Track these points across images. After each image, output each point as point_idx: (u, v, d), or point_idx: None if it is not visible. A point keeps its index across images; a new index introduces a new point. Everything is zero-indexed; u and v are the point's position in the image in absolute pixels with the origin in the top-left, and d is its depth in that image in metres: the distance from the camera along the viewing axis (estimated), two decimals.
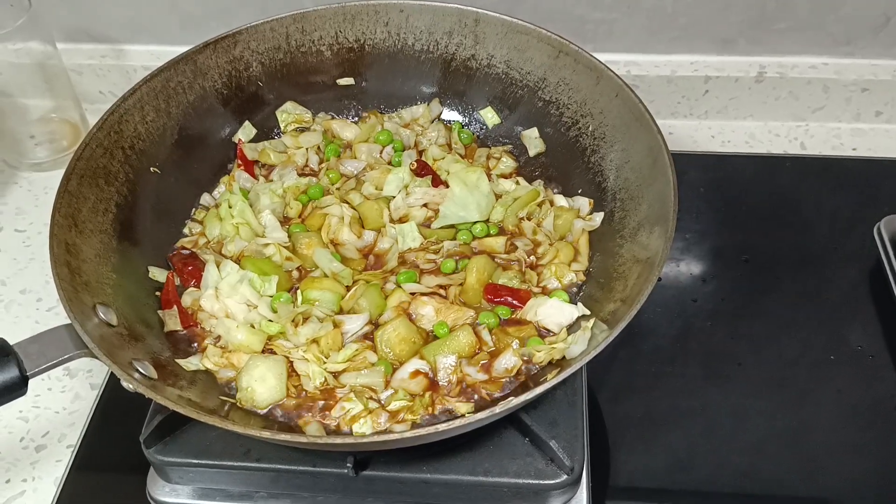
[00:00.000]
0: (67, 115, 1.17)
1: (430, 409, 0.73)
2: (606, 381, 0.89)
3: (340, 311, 0.79)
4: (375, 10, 0.93)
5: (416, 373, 0.74)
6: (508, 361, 0.74)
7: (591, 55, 0.85)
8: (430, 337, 0.78)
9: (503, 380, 0.74)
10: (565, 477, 0.72)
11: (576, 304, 0.78)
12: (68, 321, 0.66)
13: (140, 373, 0.68)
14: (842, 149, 1.14)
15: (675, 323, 0.94)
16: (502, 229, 0.86)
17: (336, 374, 0.75)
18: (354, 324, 0.77)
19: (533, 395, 0.63)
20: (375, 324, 0.78)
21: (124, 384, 0.67)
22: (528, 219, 0.86)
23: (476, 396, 0.74)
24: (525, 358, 0.75)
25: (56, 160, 1.16)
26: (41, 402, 0.90)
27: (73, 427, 0.88)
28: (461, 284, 0.80)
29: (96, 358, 0.65)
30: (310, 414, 0.73)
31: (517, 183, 0.90)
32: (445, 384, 0.74)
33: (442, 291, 0.81)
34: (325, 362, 0.74)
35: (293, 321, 0.77)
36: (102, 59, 1.19)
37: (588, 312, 0.76)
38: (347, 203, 0.88)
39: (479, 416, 0.62)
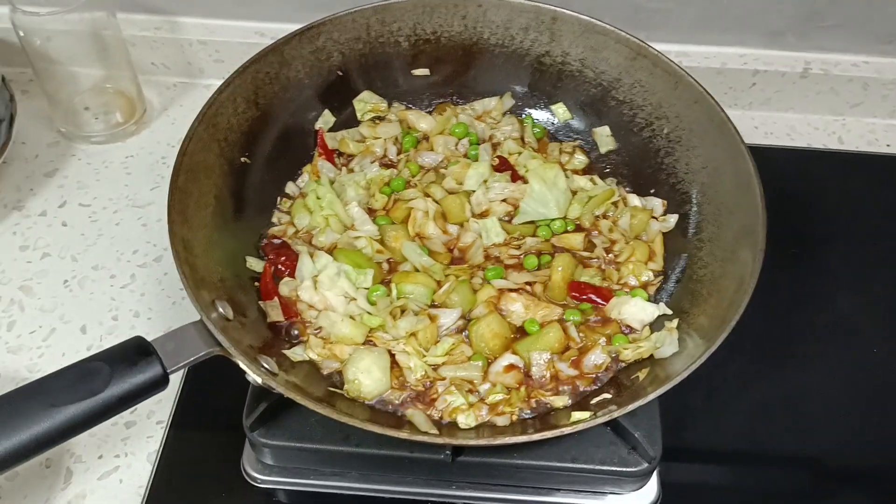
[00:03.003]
0: (122, 86, 1.17)
1: (526, 402, 0.78)
2: None
3: (433, 306, 0.83)
4: (454, 3, 0.95)
5: (511, 367, 0.79)
6: (598, 358, 0.79)
7: (671, 60, 0.88)
8: (520, 332, 0.82)
9: (592, 375, 0.79)
10: (647, 465, 0.78)
11: (656, 303, 0.83)
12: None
13: (265, 367, 0.71)
14: (877, 144, 1.20)
15: None
16: (579, 226, 0.90)
17: (435, 367, 0.79)
18: (449, 318, 0.82)
19: (637, 404, 0.68)
20: (467, 318, 0.83)
21: (250, 378, 0.71)
22: (605, 217, 0.90)
23: (568, 389, 0.79)
24: (613, 355, 0.80)
25: (112, 134, 1.16)
26: None
27: (160, 404, 0.91)
28: (546, 281, 0.85)
29: (227, 355, 0.69)
30: (416, 405, 0.77)
31: (592, 181, 0.93)
32: (539, 378, 0.79)
33: (528, 288, 0.85)
34: (424, 355, 0.79)
35: (391, 314, 0.81)
36: (156, 32, 1.19)
37: (670, 312, 0.81)
38: (430, 196, 0.91)
39: (597, 421, 0.67)
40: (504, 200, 0.91)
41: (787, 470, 0.87)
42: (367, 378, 0.77)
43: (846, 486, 0.86)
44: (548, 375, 0.79)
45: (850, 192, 1.13)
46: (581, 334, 0.81)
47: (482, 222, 0.89)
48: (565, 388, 0.79)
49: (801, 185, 1.13)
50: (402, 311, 0.82)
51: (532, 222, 0.90)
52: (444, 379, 0.78)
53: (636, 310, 0.82)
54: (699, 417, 0.90)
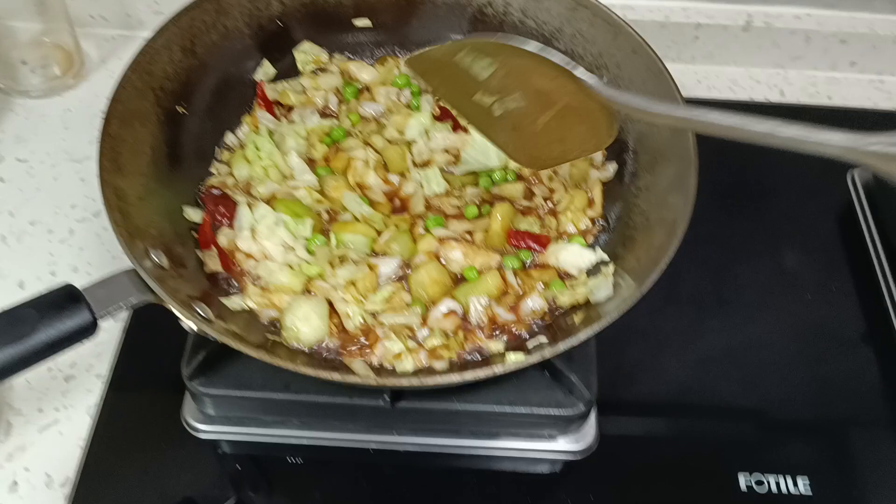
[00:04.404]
0: (60, 39, 1.14)
1: (463, 346, 0.78)
2: None
3: (373, 254, 0.84)
4: None
5: (450, 313, 0.80)
6: (535, 303, 0.80)
7: (610, 10, 0.89)
8: (459, 280, 0.83)
9: (530, 320, 0.80)
10: (583, 407, 0.80)
11: (593, 249, 0.84)
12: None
13: (199, 314, 0.71)
14: (818, 97, 1.22)
15: None
16: (520, 176, 0.91)
17: (374, 315, 0.80)
18: (388, 266, 0.82)
19: (570, 345, 0.69)
20: (407, 267, 0.83)
21: (184, 325, 0.71)
22: None
23: (504, 336, 0.80)
24: (550, 300, 0.81)
25: (50, 87, 1.14)
26: None
27: (99, 357, 0.90)
28: (486, 230, 0.85)
29: (161, 303, 0.68)
30: (355, 350, 0.78)
31: None
32: (477, 323, 0.80)
33: (468, 237, 0.85)
34: (363, 303, 0.79)
35: (330, 263, 0.81)
36: None
37: (607, 258, 0.82)
38: (371, 146, 0.90)
39: (530, 360, 0.68)
40: (446, 151, 0.91)
41: (728, 421, 0.89)
42: (305, 325, 0.77)
43: (788, 435, 0.88)
44: (486, 320, 0.80)
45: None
46: (519, 280, 0.82)
47: (423, 172, 0.89)
48: (502, 333, 0.80)
49: None
50: (342, 260, 0.82)
51: (474, 173, 0.90)
52: (383, 325, 0.79)
53: (573, 256, 0.83)
54: (640, 370, 0.91)
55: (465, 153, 0.90)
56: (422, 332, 0.79)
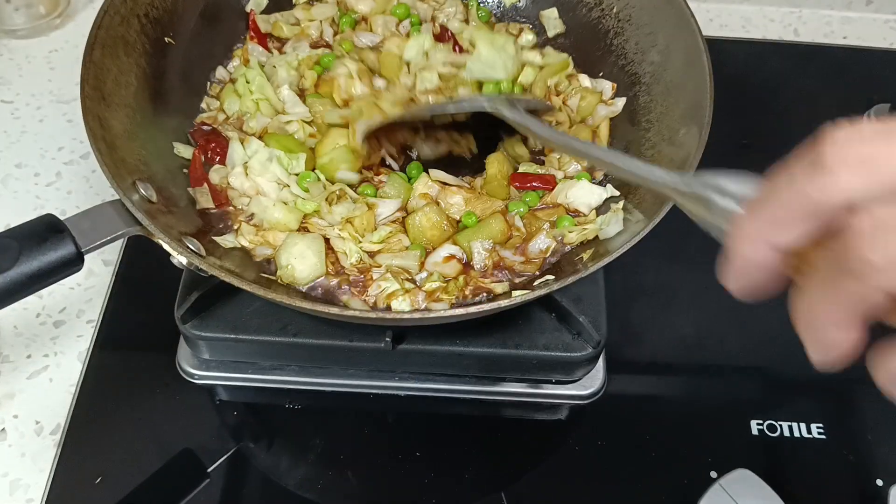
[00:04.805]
0: None
1: (463, 290, 0.75)
2: None
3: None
4: None
5: (450, 257, 0.76)
6: (542, 243, 0.77)
7: None
8: (459, 226, 0.79)
9: (538, 260, 0.77)
10: (591, 350, 0.77)
11: (604, 186, 0.80)
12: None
13: (189, 248, 0.68)
14: (833, 37, 1.17)
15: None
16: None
17: (371, 255, 0.76)
18: (387, 208, 0.78)
19: (577, 277, 0.66)
20: (405, 211, 0.79)
21: (175, 260, 0.67)
22: (557, 93, 0.87)
23: (507, 278, 0.76)
24: (558, 238, 0.77)
25: (35, 27, 1.10)
26: None
27: (90, 303, 0.87)
28: (483, 180, 0.81)
29: (148, 235, 0.65)
30: (349, 290, 0.74)
31: (542, 54, 0.89)
32: (480, 267, 0.76)
33: (467, 184, 0.81)
34: (360, 241, 0.76)
35: (327, 200, 0.77)
36: None
37: (618, 193, 0.79)
38: (362, 61, 0.85)
39: (537, 293, 0.64)
40: (447, 65, 0.86)
41: (734, 378, 0.86)
42: (301, 263, 0.73)
43: (794, 394, 0.85)
44: (490, 264, 0.76)
45: (805, 85, 1.11)
46: (525, 221, 0.79)
47: (420, 73, 0.84)
48: (505, 275, 0.76)
49: (756, 78, 1.11)
50: (339, 198, 0.78)
51: (478, 83, 0.86)
52: (379, 266, 0.75)
53: (584, 192, 0.79)
54: (649, 326, 0.88)
55: (470, 63, 0.85)
56: (420, 276, 0.75)
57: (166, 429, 0.80)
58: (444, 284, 0.75)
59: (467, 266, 0.77)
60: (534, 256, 0.77)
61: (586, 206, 0.79)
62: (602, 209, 0.79)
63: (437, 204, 0.79)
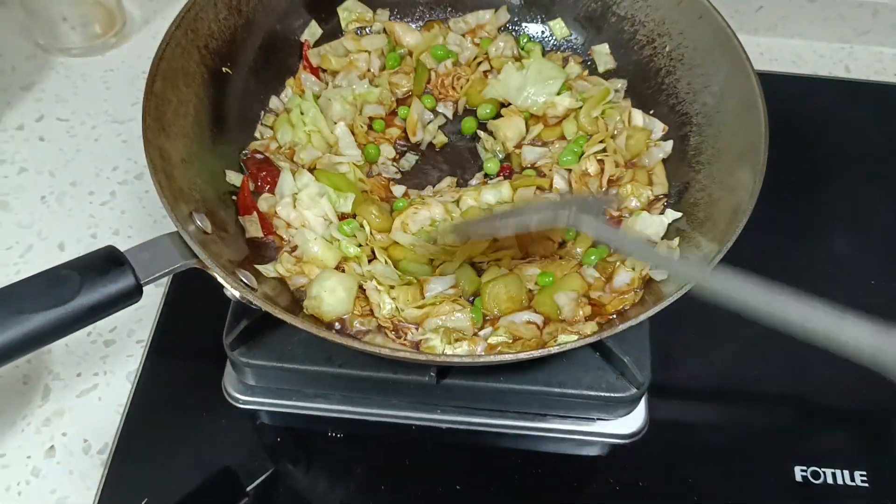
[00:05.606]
0: None
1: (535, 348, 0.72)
2: None
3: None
4: None
5: (529, 323, 0.76)
6: (625, 277, 0.77)
7: None
8: (537, 290, 0.78)
9: (629, 294, 0.76)
10: (635, 391, 0.77)
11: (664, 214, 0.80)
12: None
13: (243, 281, 0.69)
14: (884, 74, 1.16)
15: None
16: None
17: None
18: (440, 284, 0.77)
19: (627, 326, 0.66)
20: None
21: (228, 293, 0.68)
22: (603, 122, 0.87)
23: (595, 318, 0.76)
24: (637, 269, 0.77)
25: (91, 46, 1.12)
26: None
27: (140, 323, 0.89)
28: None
29: (204, 268, 0.66)
30: (383, 330, 0.75)
31: (590, 83, 0.90)
32: (571, 317, 0.76)
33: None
34: (398, 306, 0.76)
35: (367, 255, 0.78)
36: None
37: (679, 215, 0.79)
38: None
39: (580, 342, 0.65)
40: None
41: (775, 407, 0.86)
42: (331, 297, 0.74)
43: (834, 424, 0.85)
44: (581, 315, 0.76)
45: (855, 122, 1.09)
46: (598, 268, 0.79)
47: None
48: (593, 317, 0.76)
49: (805, 114, 1.10)
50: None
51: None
52: (419, 325, 0.75)
53: (649, 221, 0.80)
54: (689, 355, 0.88)
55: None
56: (485, 331, 0.75)
57: (210, 450, 0.81)
58: (510, 341, 0.74)
59: (558, 322, 0.76)
60: (622, 290, 0.77)
61: (655, 235, 0.80)
62: (667, 236, 0.80)
63: (513, 272, 0.78)
